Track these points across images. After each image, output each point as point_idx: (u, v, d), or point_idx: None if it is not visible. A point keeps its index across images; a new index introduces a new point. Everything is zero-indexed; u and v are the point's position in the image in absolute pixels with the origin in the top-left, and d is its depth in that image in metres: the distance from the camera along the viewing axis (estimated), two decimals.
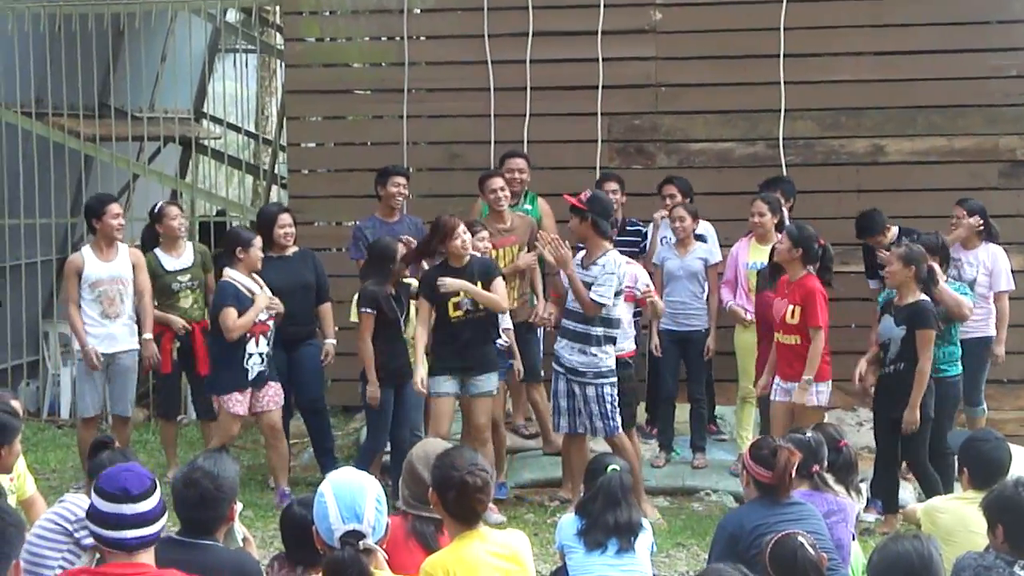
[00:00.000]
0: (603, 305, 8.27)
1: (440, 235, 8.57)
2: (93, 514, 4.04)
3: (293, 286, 9.14)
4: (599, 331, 8.35)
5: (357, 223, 9.81)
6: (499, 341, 8.87)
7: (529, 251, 9.39)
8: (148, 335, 9.23)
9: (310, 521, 4.24)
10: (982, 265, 9.44)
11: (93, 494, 4.08)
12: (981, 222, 9.46)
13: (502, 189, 9.41)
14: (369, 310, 8.63)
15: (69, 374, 11.60)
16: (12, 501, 6.05)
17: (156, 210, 9.67)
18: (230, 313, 8.67)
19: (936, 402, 8.40)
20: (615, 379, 8.40)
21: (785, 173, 10.52)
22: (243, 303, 8.70)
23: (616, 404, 8.40)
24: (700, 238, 9.71)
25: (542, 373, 9.69)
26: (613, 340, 8.44)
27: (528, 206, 9.81)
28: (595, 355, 8.34)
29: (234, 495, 4.80)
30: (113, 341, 9.20)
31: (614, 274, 8.26)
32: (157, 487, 4.10)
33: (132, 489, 3.98)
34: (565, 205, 8.59)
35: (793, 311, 8.42)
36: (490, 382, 8.63)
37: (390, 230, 9.51)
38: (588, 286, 8.28)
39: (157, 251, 9.52)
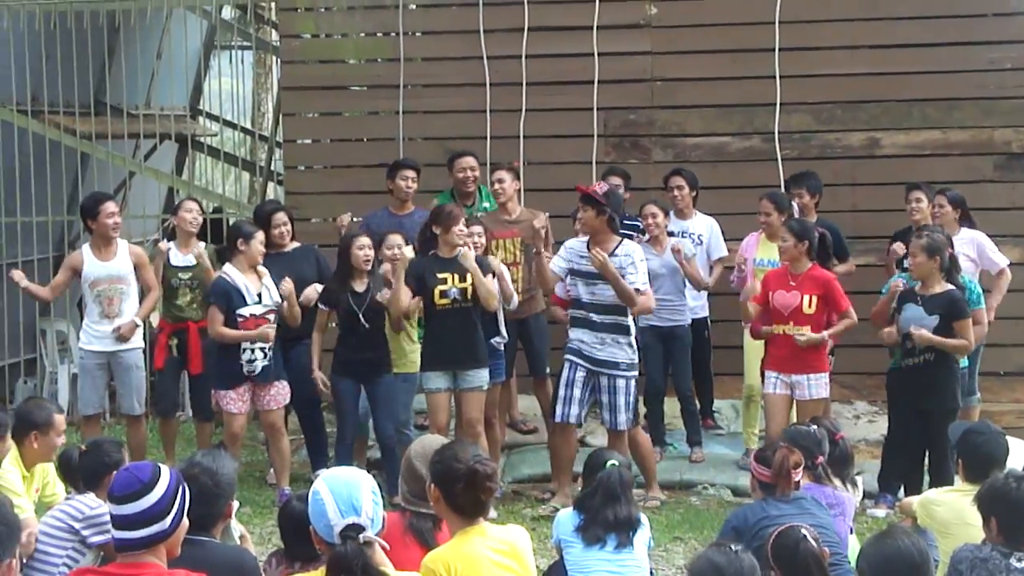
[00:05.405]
0: (644, 293, 8.42)
1: (440, 222, 8.60)
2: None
3: None
4: (630, 321, 8.49)
5: (363, 216, 9.82)
6: (495, 339, 8.88)
7: (537, 253, 9.41)
8: (137, 320, 9.26)
9: (308, 517, 4.20)
10: (964, 253, 9.41)
11: None
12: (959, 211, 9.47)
13: (500, 182, 9.52)
14: (324, 307, 8.91)
15: (66, 372, 11.60)
16: (27, 509, 6.01)
17: (177, 202, 9.82)
18: (215, 314, 8.73)
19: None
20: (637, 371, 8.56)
21: (781, 167, 10.54)
22: (234, 302, 8.70)
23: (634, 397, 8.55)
24: (671, 234, 9.70)
25: (548, 369, 9.69)
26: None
27: (486, 204, 9.88)
28: (628, 346, 8.47)
29: (232, 492, 4.80)
30: (114, 339, 9.20)
31: (642, 260, 8.46)
32: (151, 490, 3.83)
33: (115, 490, 3.87)
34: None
35: (811, 301, 8.49)
36: (479, 377, 8.64)
37: (398, 223, 9.56)
38: (601, 278, 8.34)
39: (171, 244, 9.55)
